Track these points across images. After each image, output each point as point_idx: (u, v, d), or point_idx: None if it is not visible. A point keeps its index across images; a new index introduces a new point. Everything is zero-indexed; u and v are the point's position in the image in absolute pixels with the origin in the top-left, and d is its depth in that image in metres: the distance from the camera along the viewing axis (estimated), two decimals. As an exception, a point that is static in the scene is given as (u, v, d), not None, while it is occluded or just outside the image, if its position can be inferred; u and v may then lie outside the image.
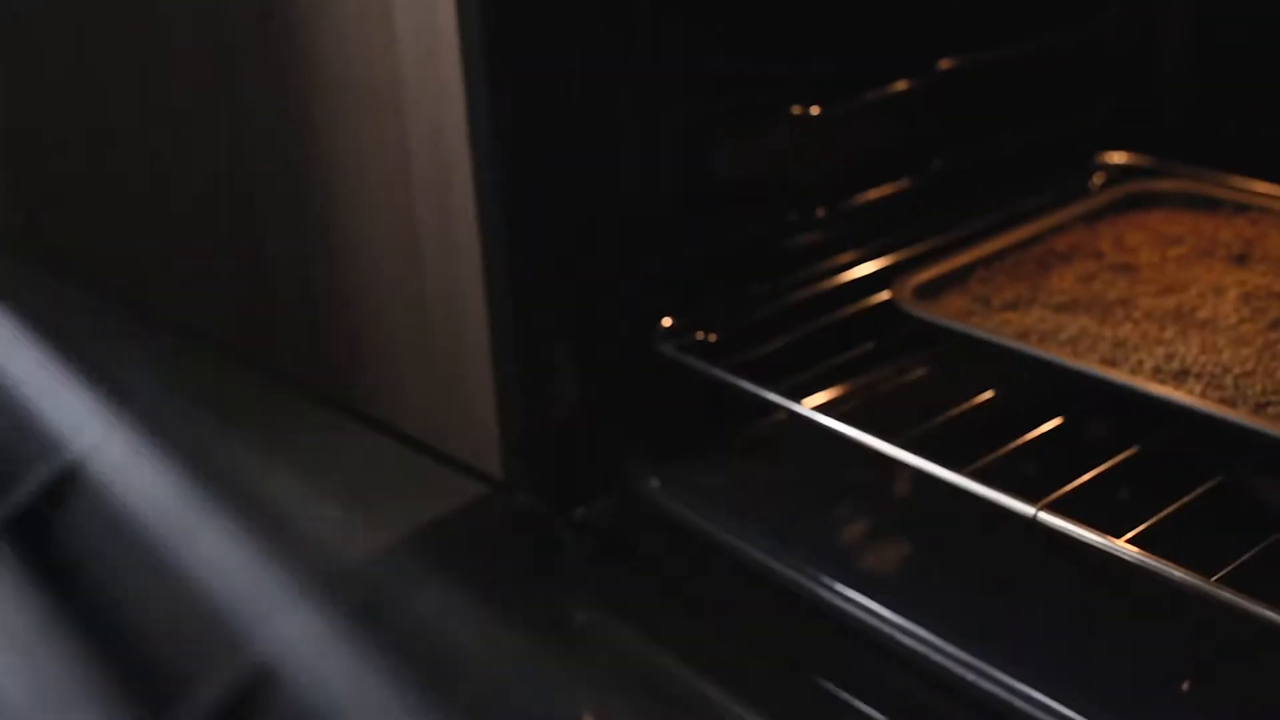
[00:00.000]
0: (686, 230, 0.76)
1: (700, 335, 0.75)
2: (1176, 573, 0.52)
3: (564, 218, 0.71)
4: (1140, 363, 0.65)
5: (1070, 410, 0.69)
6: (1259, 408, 0.61)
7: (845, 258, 0.83)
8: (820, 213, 0.83)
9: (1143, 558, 0.53)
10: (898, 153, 0.88)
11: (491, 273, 0.71)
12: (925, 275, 0.75)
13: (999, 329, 0.70)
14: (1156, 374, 0.64)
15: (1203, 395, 0.62)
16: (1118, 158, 0.93)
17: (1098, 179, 0.92)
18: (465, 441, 0.75)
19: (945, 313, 0.72)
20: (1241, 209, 0.83)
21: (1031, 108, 0.94)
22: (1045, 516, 0.57)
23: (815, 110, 0.80)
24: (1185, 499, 0.59)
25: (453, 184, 0.72)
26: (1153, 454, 0.64)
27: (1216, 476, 0.60)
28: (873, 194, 0.86)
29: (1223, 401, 0.61)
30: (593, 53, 0.69)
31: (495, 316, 0.72)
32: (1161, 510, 0.58)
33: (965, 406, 0.70)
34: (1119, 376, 0.63)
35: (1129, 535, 0.55)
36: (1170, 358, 0.65)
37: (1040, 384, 0.71)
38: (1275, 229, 0.80)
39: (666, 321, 0.74)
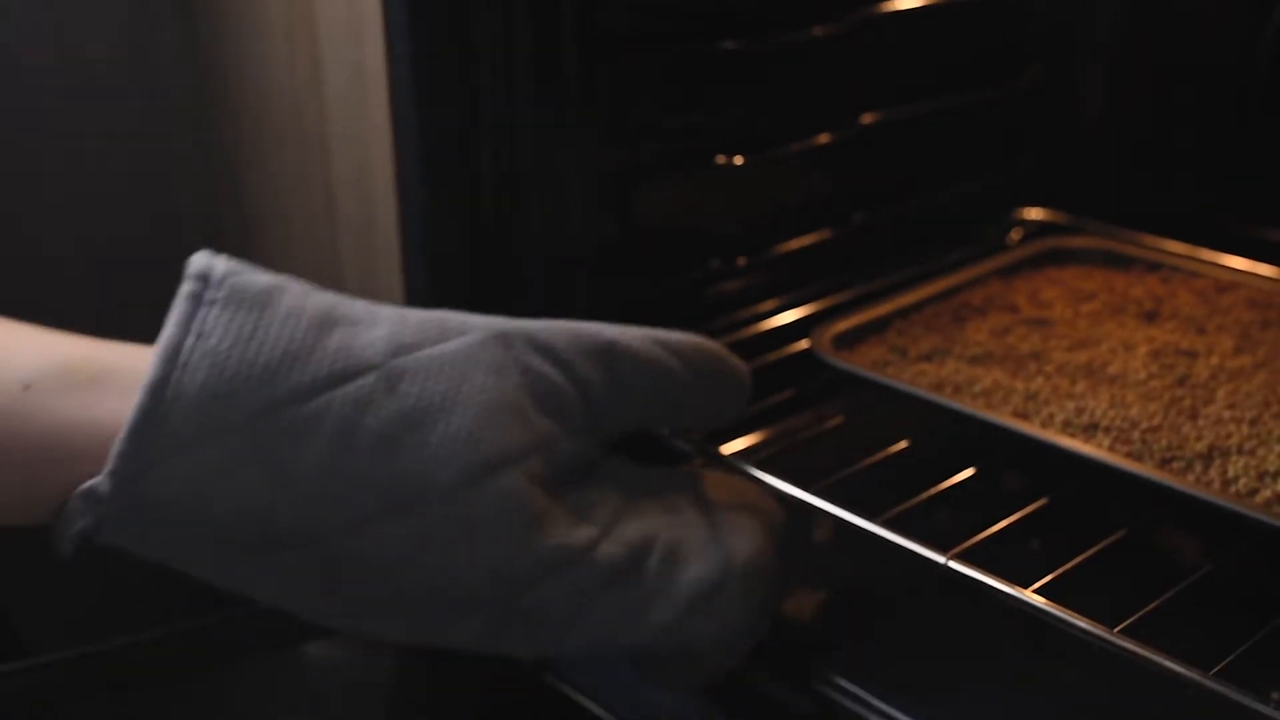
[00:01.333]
0: (613, 274, 0.77)
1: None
2: (1080, 622, 0.53)
3: (488, 261, 0.71)
4: (1051, 416, 0.66)
5: (983, 461, 0.70)
6: (1164, 462, 0.62)
7: (766, 306, 0.84)
8: (742, 261, 0.84)
9: (1048, 606, 0.54)
10: (820, 204, 0.89)
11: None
12: (844, 325, 0.76)
13: (915, 380, 0.71)
14: (1066, 427, 0.65)
15: (1111, 449, 0.63)
16: (1036, 214, 0.95)
17: (1016, 234, 0.94)
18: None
19: (863, 362, 0.73)
20: (1153, 267, 0.85)
21: (953, 163, 0.96)
22: (956, 565, 0.57)
23: (739, 160, 0.81)
24: (1092, 550, 0.60)
25: (376, 224, 0.72)
26: (1063, 505, 0.65)
27: (1123, 528, 0.61)
28: (795, 244, 0.87)
29: (1130, 456, 0.63)
30: (521, 98, 0.69)
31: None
32: (1070, 560, 0.59)
33: (881, 455, 0.71)
34: (1030, 429, 0.64)
35: (1036, 585, 0.56)
36: (1080, 411, 0.66)
37: (954, 435, 0.71)
38: (1184, 288, 0.82)
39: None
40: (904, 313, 0.79)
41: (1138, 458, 0.62)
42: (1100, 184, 1.00)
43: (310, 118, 0.73)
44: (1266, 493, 0.59)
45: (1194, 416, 0.66)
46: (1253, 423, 0.65)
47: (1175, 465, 0.62)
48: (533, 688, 0.64)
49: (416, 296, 0.71)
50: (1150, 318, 0.78)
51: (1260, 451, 0.62)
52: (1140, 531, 0.62)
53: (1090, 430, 0.65)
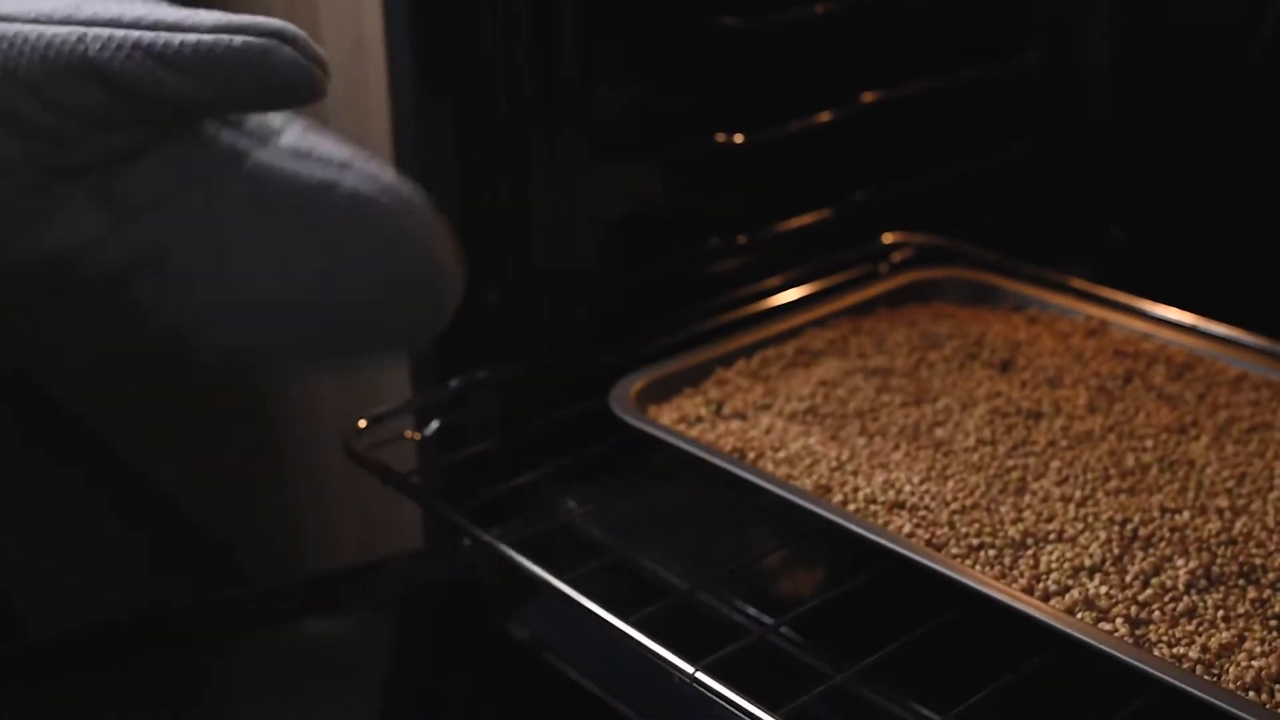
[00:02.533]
0: (613, 249, 0.76)
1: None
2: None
3: (488, 235, 0.70)
4: (855, 490, 0.58)
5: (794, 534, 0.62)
6: (972, 550, 0.54)
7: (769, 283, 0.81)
8: (742, 239, 0.82)
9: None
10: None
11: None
12: (659, 373, 0.68)
13: (720, 440, 0.63)
14: (870, 504, 0.57)
15: (913, 531, 0.55)
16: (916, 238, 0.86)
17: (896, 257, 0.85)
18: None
19: (670, 418, 0.65)
20: (1021, 306, 0.77)
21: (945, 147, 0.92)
22: (702, 676, 0.49)
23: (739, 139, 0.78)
24: (877, 654, 0.51)
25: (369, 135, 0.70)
26: (870, 591, 0.57)
27: (927, 621, 0.53)
28: (795, 222, 0.84)
29: (933, 541, 0.54)
30: (521, 74, 0.68)
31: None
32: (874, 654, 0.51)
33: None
34: (818, 508, 0.56)
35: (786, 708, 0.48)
36: (888, 486, 0.58)
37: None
38: (1049, 331, 0.73)
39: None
40: (729, 359, 0.70)
41: (941, 544, 0.54)
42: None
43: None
44: (1076, 592, 0.50)
45: (1020, 492, 0.58)
46: (1081, 502, 0.57)
47: (984, 554, 0.53)
48: (530, 665, 0.65)
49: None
50: (1004, 368, 0.69)
51: (1083, 539, 0.54)
52: (949, 627, 0.54)
53: (896, 509, 0.56)
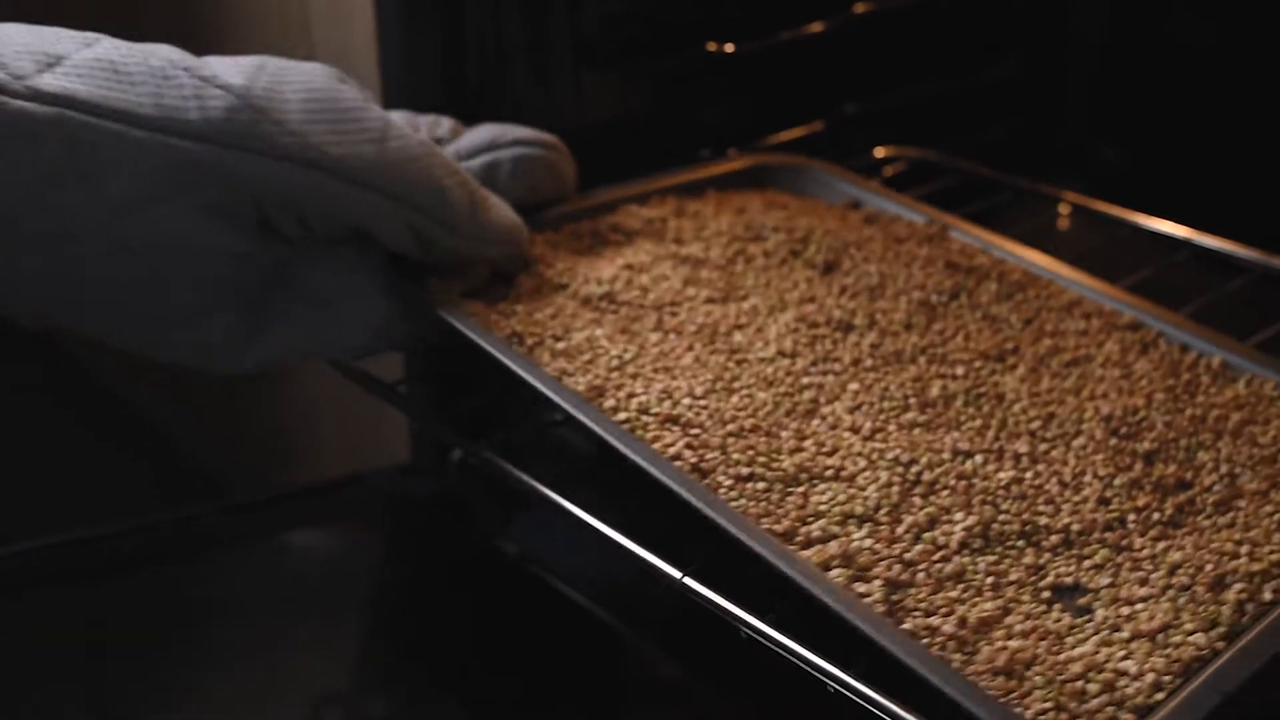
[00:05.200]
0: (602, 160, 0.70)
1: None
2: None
3: None
4: (630, 397, 0.53)
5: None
6: (740, 480, 0.49)
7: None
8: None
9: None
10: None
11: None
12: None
13: (499, 322, 0.57)
14: (642, 415, 0.52)
15: (681, 453, 0.50)
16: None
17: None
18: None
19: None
20: (861, 202, 0.71)
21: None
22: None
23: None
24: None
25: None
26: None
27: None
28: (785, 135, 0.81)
29: (699, 467, 0.49)
30: None
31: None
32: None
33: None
34: (582, 414, 0.51)
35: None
36: (666, 396, 0.53)
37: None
38: (884, 233, 0.68)
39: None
40: (536, 228, 0.64)
41: (709, 469, 0.49)
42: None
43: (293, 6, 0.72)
44: (836, 545, 0.46)
45: (809, 416, 0.53)
46: (870, 435, 0.52)
47: (751, 488, 0.48)
48: (518, 580, 0.65)
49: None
50: (826, 269, 0.64)
51: (861, 479, 0.49)
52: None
53: (669, 423, 0.51)
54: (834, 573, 0.45)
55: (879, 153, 0.84)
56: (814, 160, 0.74)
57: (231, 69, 0.51)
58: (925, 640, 0.43)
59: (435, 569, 0.67)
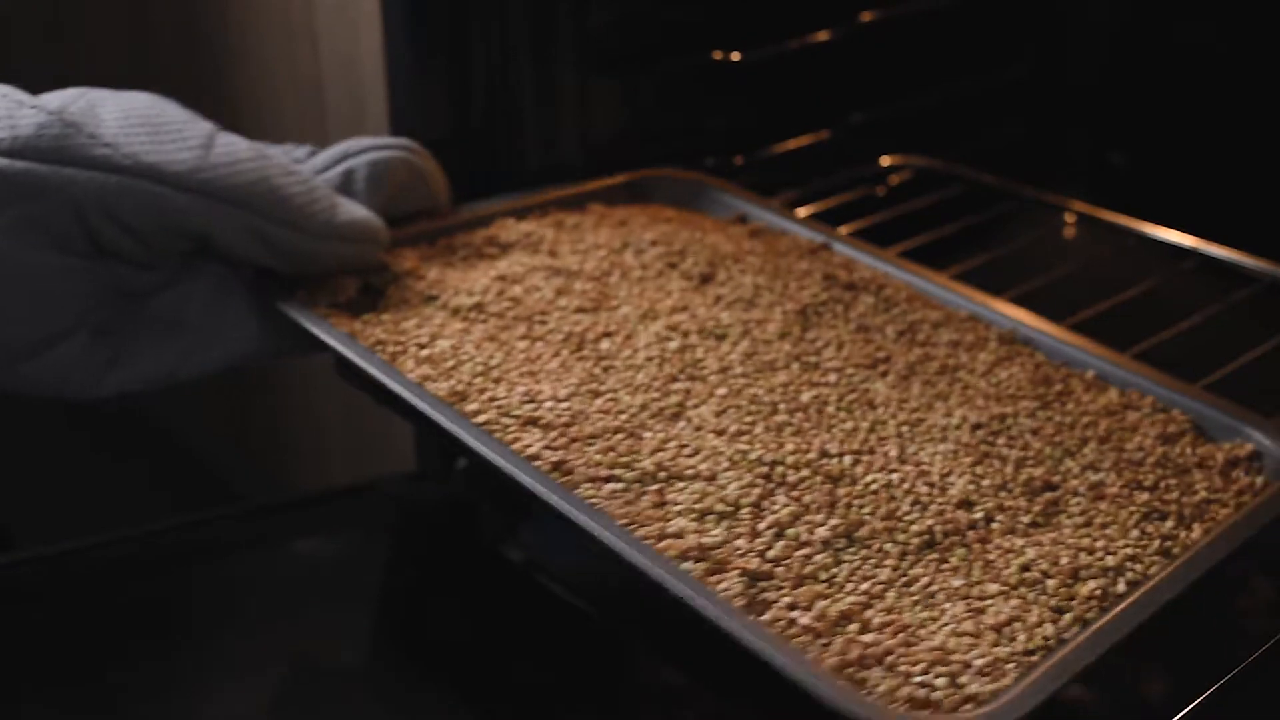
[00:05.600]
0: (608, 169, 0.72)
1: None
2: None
3: (480, 150, 0.70)
4: (492, 400, 0.52)
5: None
6: (598, 480, 0.48)
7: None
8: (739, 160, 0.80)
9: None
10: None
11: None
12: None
13: (368, 328, 0.56)
14: (504, 417, 0.51)
15: (539, 452, 0.49)
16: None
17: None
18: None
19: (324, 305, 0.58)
20: (748, 217, 0.71)
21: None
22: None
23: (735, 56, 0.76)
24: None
25: (366, 116, 0.71)
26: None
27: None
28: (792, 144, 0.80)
29: (559, 466, 0.48)
30: None
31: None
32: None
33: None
34: (440, 415, 0.50)
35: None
36: (529, 398, 0.52)
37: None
38: (768, 247, 0.67)
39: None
40: (412, 240, 0.64)
41: (569, 469, 0.48)
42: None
43: (297, 5, 0.72)
44: (692, 539, 0.45)
45: (675, 419, 0.52)
46: (736, 436, 0.51)
47: (610, 486, 0.48)
48: (523, 587, 0.65)
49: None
50: (703, 281, 0.63)
51: (723, 478, 0.49)
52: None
53: (529, 424, 0.50)
54: (690, 565, 0.44)
55: (884, 161, 0.85)
56: (704, 175, 0.73)
57: (53, 96, 0.51)
58: (781, 630, 0.42)
59: (441, 575, 0.67)
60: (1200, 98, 0.89)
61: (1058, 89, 0.95)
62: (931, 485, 0.50)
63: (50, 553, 0.60)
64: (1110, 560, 0.47)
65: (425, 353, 0.54)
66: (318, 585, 0.61)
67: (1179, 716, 0.49)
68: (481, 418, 0.51)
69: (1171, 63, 0.90)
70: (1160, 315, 0.66)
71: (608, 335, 0.57)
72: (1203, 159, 0.88)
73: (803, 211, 0.76)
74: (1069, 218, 0.84)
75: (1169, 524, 0.50)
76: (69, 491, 0.56)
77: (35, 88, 0.76)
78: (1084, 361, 0.60)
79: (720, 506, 0.47)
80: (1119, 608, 0.44)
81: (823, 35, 0.82)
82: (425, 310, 0.58)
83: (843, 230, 0.73)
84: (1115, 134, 0.96)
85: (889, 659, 0.41)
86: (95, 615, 0.57)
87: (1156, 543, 0.49)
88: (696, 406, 0.53)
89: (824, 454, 0.51)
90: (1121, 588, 0.46)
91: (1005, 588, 0.46)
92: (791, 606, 0.43)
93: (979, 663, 0.41)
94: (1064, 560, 0.47)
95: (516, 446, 0.49)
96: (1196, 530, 0.50)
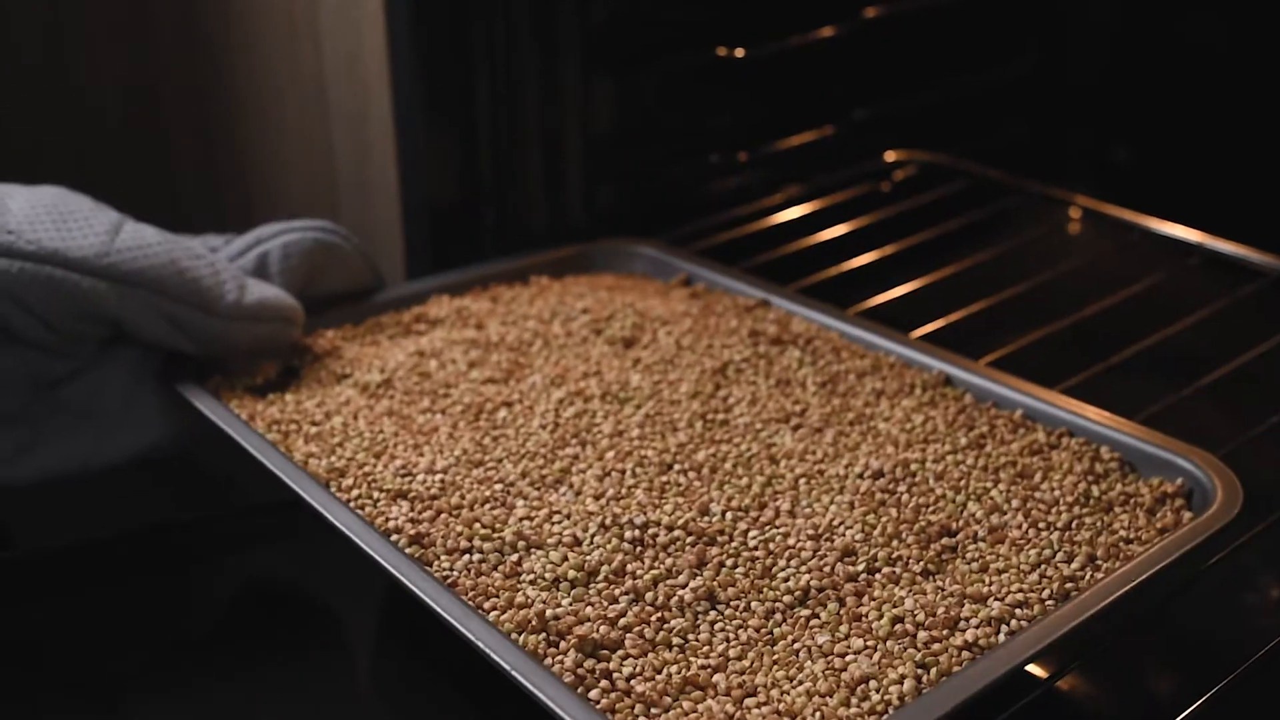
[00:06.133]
0: (611, 165, 0.74)
1: None
2: None
3: (484, 148, 0.70)
4: (368, 475, 0.51)
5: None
6: (455, 551, 0.47)
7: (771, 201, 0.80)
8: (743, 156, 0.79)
9: None
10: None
11: (409, 203, 0.70)
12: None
13: (270, 408, 0.56)
14: (375, 491, 0.50)
15: (401, 526, 0.48)
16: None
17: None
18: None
19: (220, 384, 0.58)
20: (693, 279, 0.70)
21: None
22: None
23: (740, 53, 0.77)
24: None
25: (369, 115, 0.70)
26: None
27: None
28: (796, 140, 0.81)
29: (417, 539, 0.47)
30: None
31: (411, 246, 0.71)
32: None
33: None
34: (302, 490, 0.49)
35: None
36: (404, 471, 0.51)
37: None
38: (702, 309, 0.66)
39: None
40: (336, 321, 0.64)
41: (428, 543, 0.47)
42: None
43: (300, 3, 0.71)
44: (535, 609, 0.43)
45: (556, 485, 0.51)
46: (612, 500, 0.50)
47: (466, 559, 0.46)
48: None
49: (411, 189, 0.69)
50: (627, 345, 0.62)
51: (588, 544, 0.47)
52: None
53: (398, 498, 0.49)
54: (527, 637, 0.42)
55: (889, 157, 0.84)
56: (648, 241, 0.72)
57: None
58: (610, 702, 0.40)
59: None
60: (1203, 92, 0.87)
61: (1061, 85, 0.94)
62: (817, 538, 0.48)
63: (50, 552, 0.60)
64: (996, 607, 0.44)
65: (315, 430, 0.54)
66: (322, 583, 0.60)
67: (1185, 714, 0.46)
68: (355, 493, 0.50)
69: (1174, 58, 0.88)
70: (1166, 310, 0.64)
71: (506, 404, 0.56)
72: (1207, 154, 0.86)
73: (804, 210, 0.76)
74: (1074, 213, 0.82)
75: (1074, 565, 0.47)
76: (69, 491, 0.56)
77: (35, 87, 0.77)
78: (1013, 401, 0.57)
79: (573, 574, 0.45)
80: (982, 661, 0.42)
81: (827, 31, 0.82)
82: (335, 389, 0.58)
83: (844, 229, 0.72)
84: (1118, 130, 0.94)
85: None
86: (95, 615, 0.57)
87: (1054, 585, 0.46)
88: (581, 471, 0.52)
89: (705, 513, 0.49)
90: (1002, 637, 0.43)
91: (873, 642, 0.43)
92: (631, 676, 0.41)
93: None
94: (941, 611, 0.44)
95: (379, 521, 0.48)
96: (1103, 570, 0.47)
